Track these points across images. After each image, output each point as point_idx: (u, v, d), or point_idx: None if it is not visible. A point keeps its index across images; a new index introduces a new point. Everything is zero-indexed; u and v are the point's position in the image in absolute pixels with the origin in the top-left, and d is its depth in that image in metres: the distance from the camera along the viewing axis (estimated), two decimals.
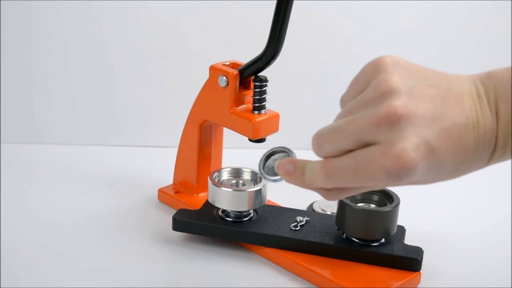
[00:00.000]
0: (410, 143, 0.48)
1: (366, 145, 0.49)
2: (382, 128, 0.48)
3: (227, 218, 0.69)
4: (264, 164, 0.57)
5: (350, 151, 0.50)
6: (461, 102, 0.51)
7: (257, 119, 0.67)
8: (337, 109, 0.96)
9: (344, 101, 0.55)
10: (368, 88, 0.51)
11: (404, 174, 0.48)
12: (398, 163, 0.48)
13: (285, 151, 0.57)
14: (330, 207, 0.75)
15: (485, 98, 0.51)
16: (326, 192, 0.54)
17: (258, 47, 0.66)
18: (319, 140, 0.52)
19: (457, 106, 0.50)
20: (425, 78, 0.52)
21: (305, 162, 0.53)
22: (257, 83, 0.67)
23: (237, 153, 0.87)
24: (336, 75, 0.97)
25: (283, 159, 0.54)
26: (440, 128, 0.49)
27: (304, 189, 0.54)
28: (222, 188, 0.68)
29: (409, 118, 0.48)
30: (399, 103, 0.49)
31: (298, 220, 0.69)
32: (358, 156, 0.50)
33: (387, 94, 0.50)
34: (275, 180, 0.55)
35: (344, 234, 0.67)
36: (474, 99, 0.51)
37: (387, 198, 0.67)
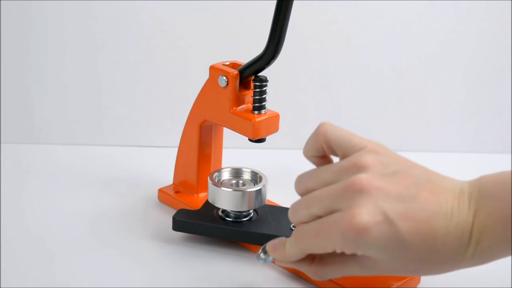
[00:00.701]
0: (365, 209, 0.51)
1: (333, 212, 0.53)
2: (346, 196, 0.52)
3: (227, 218, 0.69)
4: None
5: (320, 217, 0.54)
6: (437, 194, 0.52)
7: (257, 119, 0.67)
8: (337, 109, 0.96)
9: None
10: (347, 158, 0.55)
11: (356, 236, 0.51)
12: (351, 224, 0.51)
13: None
14: None
15: (467, 195, 0.52)
16: (308, 268, 0.58)
17: (258, 47, 0.66)
18: (295, 207, 0.57)
19: (432, 196, 0.52)
20: (408, 168, 0.54)
21: (288, 238, 0.58)
22: (257, 83, 0.67)
23: (237, 153, 0.87)
24: (336, 75, 0.97)
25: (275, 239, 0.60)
26: (405, 208, 0.51)
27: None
28: (222, 188, 0.68)
29: (371, 191, 0.51)
30: (366, 176, 0.52)
31: None
32: (323, 220, 0.53)
33: (360, 168, 0.53)
34: (265, 260, 0.60)
35: None
36: (455, 195, 0.52)
37: None
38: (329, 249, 0.53)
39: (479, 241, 0.51)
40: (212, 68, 0.69)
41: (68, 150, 0.92)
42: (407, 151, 0.97)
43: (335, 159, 0.59)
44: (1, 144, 0.92)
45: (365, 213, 0.50)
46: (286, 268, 0.65)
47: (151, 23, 0.93)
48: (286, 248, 0.58)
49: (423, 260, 0.52)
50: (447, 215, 0.51)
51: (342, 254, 0.54)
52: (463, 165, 0.95)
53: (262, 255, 0.60)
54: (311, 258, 0.58)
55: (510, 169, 0.54)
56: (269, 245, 0.60)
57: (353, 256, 0.54)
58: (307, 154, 0.59)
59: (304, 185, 0.57)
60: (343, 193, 0.52)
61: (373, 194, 0.51)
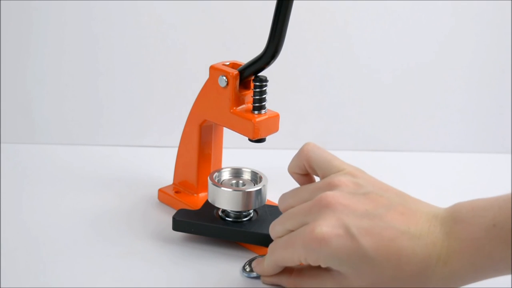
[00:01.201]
0: (326, 222, 0.53)
1: (302, 226, 0.56)
2: (313, 211, 0.55)
3: (227, 218, 0.69)
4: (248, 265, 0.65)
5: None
6: (408, 216, 0.54)
7: (257, 119, 0.67)
8: (336, 109, 0.96)
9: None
10: (324, 179, 0.58)
11: (316, 246, 0.53)
12: (311, 235, 0.54)
13: None
14: None
15: (440, 219, 0.53)
16: (288, 280, 0.60)
17: (258, 47, 0.66)
18: (274, 223, 0.60)
19: (401, 217, 0.53)
20: (382, 190, 0.56)
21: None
22: (257, 83, 0.67)
23: (237, 153, 0.87)
24: (336, 75, 0.97)
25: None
26: (370, 224, 0.53)
27: None
28: (222, 188, 0.68)
29: (337, 206, 0.54)
30: (333, 193, 0.55)
31: None
32: (291, 233, 0.57)
33: (331, 187, 0.56)
34: (249, 275, 0.64)
35: None
36: (427, 219, 0.54)
37: None
38: (296, 261, 0.56)
39: (446, 263, 0.52)
40: (212, 68, 0.69)
41: (68, 150, 0.92)
42: (407, 151, 0.98)
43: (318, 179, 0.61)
44: (1, 144, 0.92)
45: (325, 225, 0.53)
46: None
47: (151, 23, 0.93)
48: (264, 262, 0.61)
49: (391, 278, 0.53)
50: (414, 236, 0.52)
51: (318, 267, 0.56)
52: (463, 165, 0.95)
53: (247, 267, 0.64)
54: (290, 271, 0.60)
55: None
56: (255, 262, 0.63)
57: (328, 270, 0.56)
58: (290, 170, 0.63)
59: (285, 203, 0.61)
60: (311, 208, 0.55)
61: (337, 209, 0.54)
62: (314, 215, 0.55)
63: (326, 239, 0.53)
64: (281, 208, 0.62)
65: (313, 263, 0.55)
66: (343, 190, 0.56)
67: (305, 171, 0.62)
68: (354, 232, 0.52)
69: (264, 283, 0.63)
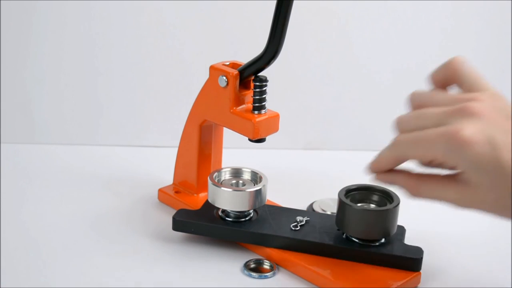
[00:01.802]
0: (473, 127, 0.53)
1: (440, 126, 0.55)
2: (456, 115, 0.54)
3: (227, 218, 0.69)
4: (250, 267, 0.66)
5: None
6: None
7: (257, 119, 0.67)
8: (337, 109, 0.96)
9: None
10: (468, 93, 0.58)
11: (460, 147, 0.52)
12: (456, 134, 0.53)
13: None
14: (330, 207, 0.75)
15: None
16: (407, 180, 0.58)
17: (258, 47, 0.66)
18: (404, 117, 0.58)
19: None
20: None
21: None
22: (257, 83, 0.67)
23: (237, 153, 0.87)
24: (336, 74, 0.97)
25: None
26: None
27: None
28: (222, 188, 0.68)
29: (482, 117, 0.54)
30: (479, 105, 0.54)
31: (298, 220, 0.69)
32: (428, 130, 0.55)
33: (474, 99, 0.55)
34: (249, 274, 0.64)
35: (344, 234, 0.67)
36: None
37: (387, 198, 0.67)
38: (428, 157, 0.55)
39: None
40: (212, 68, 0.69)
41: (68, 150, 0.93)
42: None
43: None
44: (1, 144, 0.92)
45: (472, 129, 0.53)
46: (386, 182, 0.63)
47: (151, 23, 0.93)
48: (380, 155, 0.59)
49: None
50: None
51: (444, 176, 0.56)
52: None
53: (252, 265, 0.65)
54: (408, 174, 0.59)
55: None
56: (370, 161, 0.61)
57: (454, 178, 0.56)
58: (434, 78, 0.61)
59: (419, 100, 0.59)
60: (455, 113, 0.54)
61: (483, 119, 0.53)
62: (459, 119, 0.54)
63: (471, 143, 0.52)
64: (412, 104, 0.60)
65: (451, 162, 0.54)
66: (485, 103, 0.55)
67: (446, 82, 0.61)
68: (497, 143, 0.52)
69: (377, 180, 0.61)
